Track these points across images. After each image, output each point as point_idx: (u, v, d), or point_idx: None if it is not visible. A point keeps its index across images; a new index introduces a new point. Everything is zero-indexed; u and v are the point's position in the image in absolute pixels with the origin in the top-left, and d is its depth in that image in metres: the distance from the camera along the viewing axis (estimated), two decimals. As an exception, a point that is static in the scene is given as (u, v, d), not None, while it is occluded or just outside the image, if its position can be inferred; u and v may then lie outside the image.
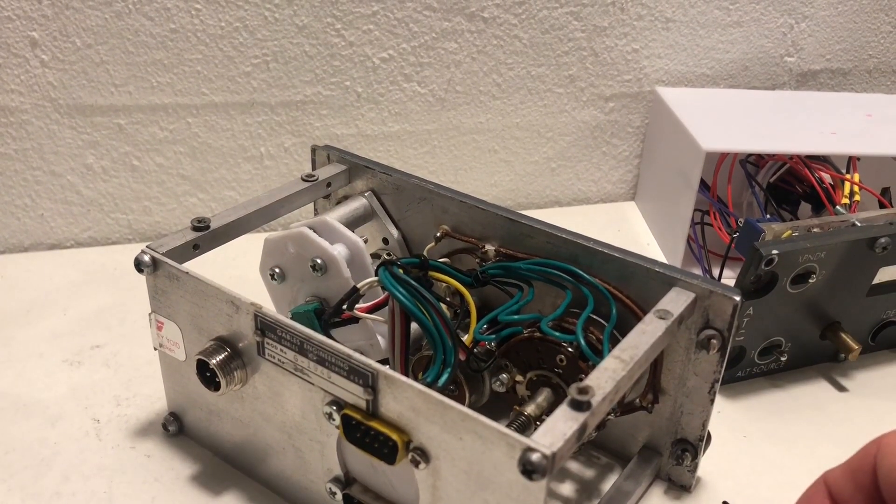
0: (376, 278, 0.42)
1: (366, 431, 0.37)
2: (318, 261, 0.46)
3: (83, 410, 0.50)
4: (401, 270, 0.42)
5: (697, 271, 0.65)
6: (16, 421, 0.49)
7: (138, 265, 0.43)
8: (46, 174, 0.66)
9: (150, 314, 0.45)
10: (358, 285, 0.44)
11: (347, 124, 0.71)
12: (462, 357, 0.41)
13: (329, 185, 0.53)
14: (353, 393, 0.37)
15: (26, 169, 0.66)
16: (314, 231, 0.47)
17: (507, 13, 0.70)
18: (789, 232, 0.54)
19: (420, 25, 0.68)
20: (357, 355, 0.36)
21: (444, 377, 0.40)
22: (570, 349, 0.42)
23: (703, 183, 0.65)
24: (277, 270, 0.49)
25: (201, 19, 0.63)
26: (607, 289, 0.43)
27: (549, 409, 0.42)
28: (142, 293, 0.45)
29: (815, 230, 0.55)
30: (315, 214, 0.57)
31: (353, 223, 0.52)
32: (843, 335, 0.54)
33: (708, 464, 0.47)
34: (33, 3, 0.60)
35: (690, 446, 0.45)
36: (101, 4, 0.61)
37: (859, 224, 0.55)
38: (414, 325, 0.42)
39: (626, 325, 0.40)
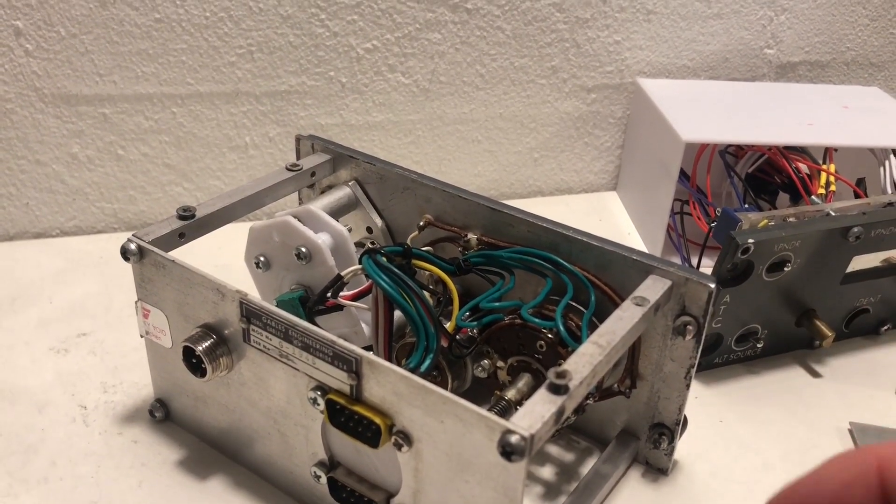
0: (360, 266, 0.43)
1: (350, 416, 0.37)
2: (303, 249, 0.47)
3: (70, 397, 0.51)
4: (384, 259, 0.42)
5: (677, 260, 0.66)
6: (2, 407, 0.50)
7: (124, 253, 0.43)
8: (31, 163, 0.66)
9: (136, 302, 0.45)
10: (342, 273, 0.45)
11: (332, 114, 0.71)
12: (444, 343, 0.42)
13: (313, 174, 0.54)
14: (338, 378, 0.37)
15: (11, 158, 0.66)
16: (299, 220, 0.47)
17: (490, 4, 0.70)
18: (766, 221, 0.55)
19: (404, 16, 0.69)
20: (341, 341, 0.37)
21: (427, 363, 0.40)
22: (549, 335, 0.43)
23: (682, 173, 0.66)
24: (262, 259, 0.49)
25: (186, 9, 0.64)
26: (586, 276, 0.44)
27: (529, 394, 0.43)
28: (128, 281, 0.45)
29: (790, 220, 0.56)
30: (300, 204, 0.58)
31: (337, 212, 0.53)
32: (818, 322, 0.56)
33: (684, 447, 0.48)
34: (17, -8, 0.60)
35: (667, 430, 0.46)
36: (86, -6, 0.61)
37: (834, 214, 0.56)
38: (397, 314, 0.43)
39: (604, 312, 0.41)
